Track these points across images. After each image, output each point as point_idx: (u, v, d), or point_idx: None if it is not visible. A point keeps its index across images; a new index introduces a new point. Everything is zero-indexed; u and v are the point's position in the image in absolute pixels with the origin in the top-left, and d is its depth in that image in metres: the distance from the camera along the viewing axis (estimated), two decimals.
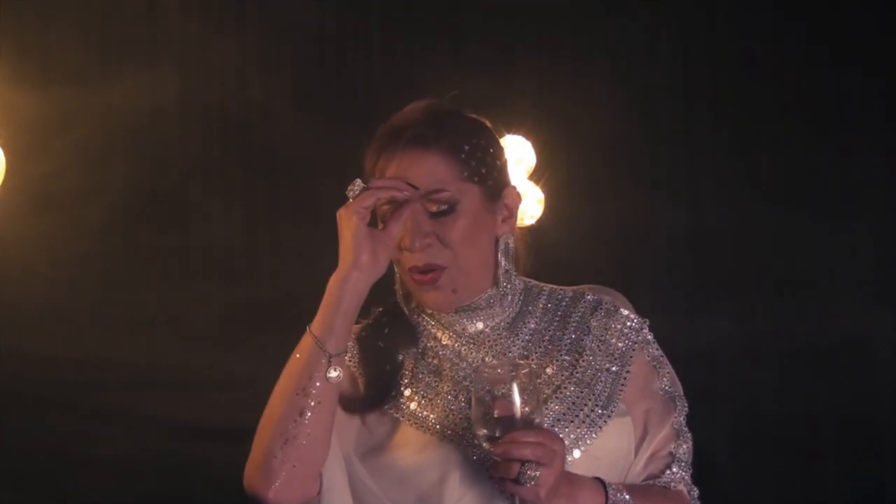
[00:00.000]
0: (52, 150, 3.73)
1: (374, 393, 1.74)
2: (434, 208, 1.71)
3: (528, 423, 1.57)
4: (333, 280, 1.67)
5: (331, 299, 1.67)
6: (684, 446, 1.79)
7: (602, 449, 1.71)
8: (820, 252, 3.88)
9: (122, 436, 3.74)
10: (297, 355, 1.68)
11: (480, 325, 1.77)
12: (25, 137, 3.67)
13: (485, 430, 1.58)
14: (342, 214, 1.66)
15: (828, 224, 3.89)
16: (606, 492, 1.66)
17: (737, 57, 3.97)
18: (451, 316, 1.76)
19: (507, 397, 1.57)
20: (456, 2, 3.93)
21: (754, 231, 3.94)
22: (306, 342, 1.67)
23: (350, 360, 1.78)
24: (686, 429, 1.81)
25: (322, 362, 1.65)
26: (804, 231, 3.90)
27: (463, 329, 1.77)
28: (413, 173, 1.70)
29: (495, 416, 1.57)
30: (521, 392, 1.57)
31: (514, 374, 1.58)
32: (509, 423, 1.57)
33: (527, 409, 1.57)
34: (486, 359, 1.75)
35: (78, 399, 3.72)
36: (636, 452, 1.76)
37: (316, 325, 1.67)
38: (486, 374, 1.59)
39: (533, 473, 1.55)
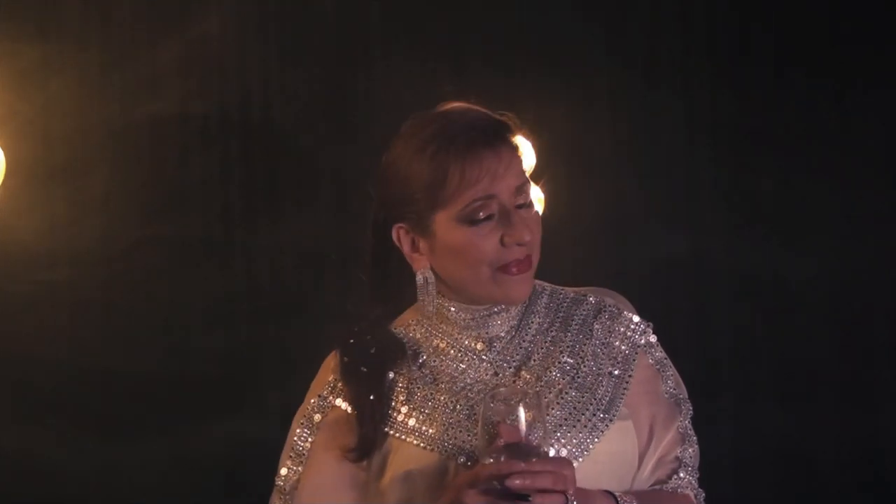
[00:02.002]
0: (52, 151, 3.73)
1: (369, 431, 1.73)
2: (522, 200, 1.71)
3: (535, 453, 1.55)
4: None
5: None
6: (690, 450, 1.79)
7: (604, 454, 1.70)
8: (821, 254, 3.88)
9: (124, 440, 3.74)
10: None
11: (500, 328, 1.77)
12: (25, 137, 3.67)
13: (491, 461, 1.55)
14: None
15: (832, 230, 3.88)
16: (617, 502, 1.66)
17: (737, 54, 3.96)
18: (482, 318, 1.76)
19: (514, 426, 1.55)
20: (456, 2, 3.93)
21: (755, 232, 3.94)
22: None
23: (341, 405, 1.77)
24: (692, 432, 1.81)
25: None
26: (806, 229, 3.90)
27: (487, 332, 1.76)
28: (511, 171, 1.70)
29: (502, 445, 1.55)
30: (529, 422, 1.55)
31: (520, 402, 1.56)
32: (516, 451, 1.55)
33: (534, 440, 1.55)
34: (488, 373, 1.75)
35: (78, 403, 3.72)
36: (643, 457, 1.75)
37: None
38: (492, 406, 1.57)
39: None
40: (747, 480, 3.81)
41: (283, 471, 1.80)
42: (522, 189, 1.71)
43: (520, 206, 1.71)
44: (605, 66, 3.96)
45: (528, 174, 3.69)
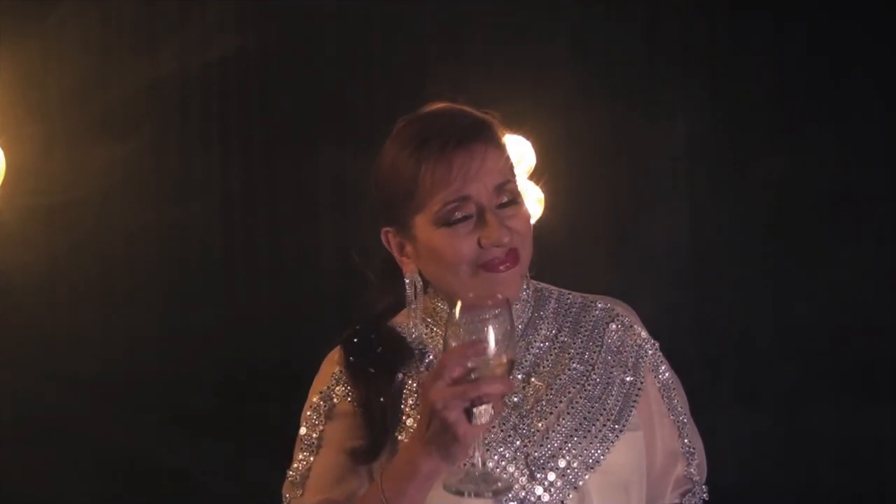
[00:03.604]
0: (52, 152, 3.73)
1: (379, 436, 1.71)
2: (504, 199, 1.69)
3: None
4: (423, 462, 1.53)
5: (413, 477, 1.55)
6: (696, 463, 1.81)
7: (614, 465, 1.70)
8: (822, 252, 3.87)
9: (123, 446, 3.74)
10: None
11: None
12: (26, 138, 3.67)
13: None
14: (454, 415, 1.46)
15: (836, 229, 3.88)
16: None
17: (736, 52, 3.96)
18: (476, 324, 1.74)
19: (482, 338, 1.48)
20: (456, 3, 3.93)
21: (755, 231, 3.94)
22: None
23: (347, 397, 1.75)
24: (694, 448, 1.82)
25: None
26: (806, 229, 3.90)
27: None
28: (486, 170, 1.67)
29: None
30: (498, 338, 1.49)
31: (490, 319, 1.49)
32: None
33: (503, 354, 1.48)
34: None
35: (79, 409, 3.72)
36: (662, 477, 1.77)
37: (389, 489, 1.59)
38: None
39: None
40: (747, 480, 3.81)
41: (296, 464, 1.78)
42: (504, 188, 1.68)
43: (502, 205, 1.68)
44: (605, 65, 3.96)
45: (527, 173, 3.72)
